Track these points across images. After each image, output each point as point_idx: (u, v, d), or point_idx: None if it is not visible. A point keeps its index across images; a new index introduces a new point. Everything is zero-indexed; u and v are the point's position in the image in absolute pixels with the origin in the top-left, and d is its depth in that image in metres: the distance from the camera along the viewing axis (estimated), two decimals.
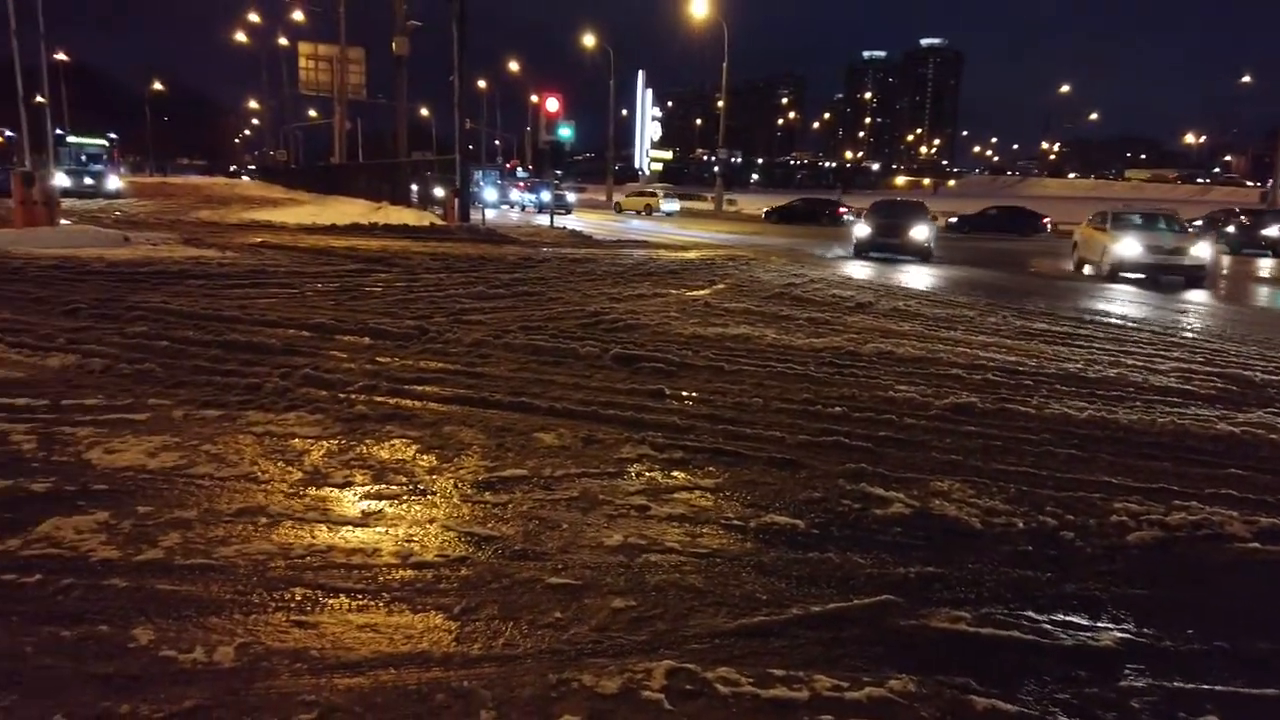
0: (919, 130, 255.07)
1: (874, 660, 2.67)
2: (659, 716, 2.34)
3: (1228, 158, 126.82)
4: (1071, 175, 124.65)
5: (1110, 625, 2.95)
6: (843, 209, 40.71)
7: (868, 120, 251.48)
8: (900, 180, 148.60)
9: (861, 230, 20.57)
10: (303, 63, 47.17)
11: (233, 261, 12.68)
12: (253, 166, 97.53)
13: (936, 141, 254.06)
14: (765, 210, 43.10)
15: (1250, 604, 3.21)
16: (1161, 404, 6.09)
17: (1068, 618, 2.99)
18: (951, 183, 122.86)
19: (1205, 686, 2.60)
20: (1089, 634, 2.88)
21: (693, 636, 2.76)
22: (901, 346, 7.85)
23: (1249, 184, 76.65)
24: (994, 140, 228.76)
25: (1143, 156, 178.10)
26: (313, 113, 73.21)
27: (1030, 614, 3.00)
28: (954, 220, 37.61)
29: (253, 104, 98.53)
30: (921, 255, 19.82)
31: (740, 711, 2.37)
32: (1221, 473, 4.57)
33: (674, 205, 44.30)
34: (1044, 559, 3.47)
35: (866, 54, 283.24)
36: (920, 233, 19.84)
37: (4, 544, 3.17)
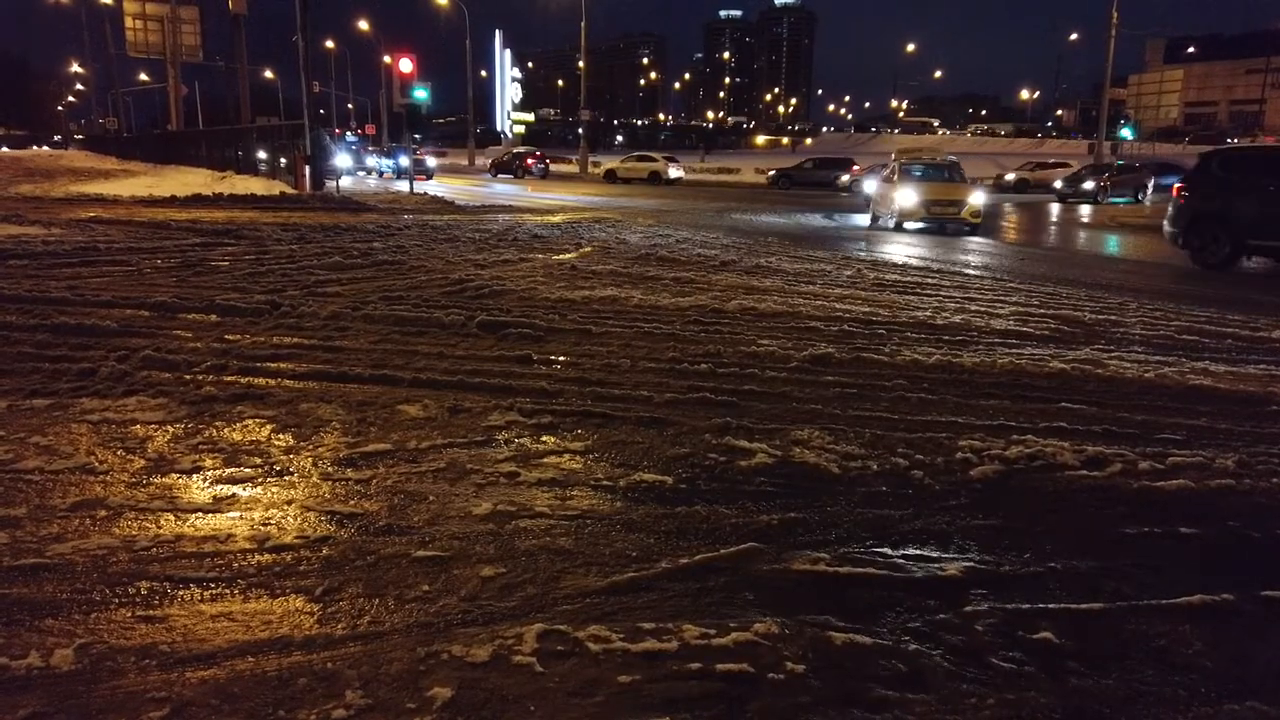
0: (776, 90, 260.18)
1: (740, 606, 2.75)
2: (531, 679, 2.34)
3: (1059, 112, 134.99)
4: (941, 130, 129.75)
5: (956, 556, 3.14)
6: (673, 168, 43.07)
7: (727, 80, 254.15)
8: (760, 139, 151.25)
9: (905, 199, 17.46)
10: (129, 23, 43.63)
11: (59, 239, 11.73)
12: (80, 136, 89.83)
13: (794, 101, 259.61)
14: (605, 170, 44.57)
15: (1079, 527, 3.46)
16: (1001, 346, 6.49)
17: (918, 551, 3.16)
18: (809, 140, 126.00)
19: (1040, 605, 2.80)
20: (937, 565, 3.05)
21: (563, 598, 2.77)
22: (764, 303, 8.04)
23: (1077, 137, 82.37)
24: (847, 99, 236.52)
25: (983, 112, 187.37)
26: (144, 77, 68.29)
27: (884, 550, 3.16)
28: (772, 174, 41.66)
29: (76, 68, 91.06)
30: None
31: (611, 667, 2.40)
32: (1053, 407, 4.91)
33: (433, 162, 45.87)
34: (896, 498, 3.65)
35: (723, 13, 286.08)
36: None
37: None
